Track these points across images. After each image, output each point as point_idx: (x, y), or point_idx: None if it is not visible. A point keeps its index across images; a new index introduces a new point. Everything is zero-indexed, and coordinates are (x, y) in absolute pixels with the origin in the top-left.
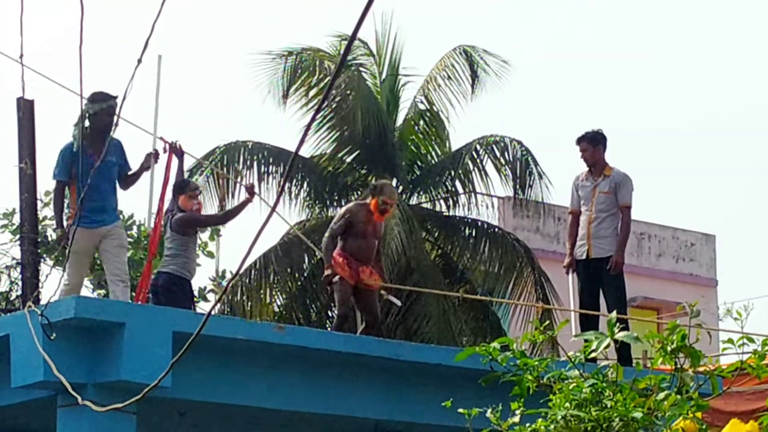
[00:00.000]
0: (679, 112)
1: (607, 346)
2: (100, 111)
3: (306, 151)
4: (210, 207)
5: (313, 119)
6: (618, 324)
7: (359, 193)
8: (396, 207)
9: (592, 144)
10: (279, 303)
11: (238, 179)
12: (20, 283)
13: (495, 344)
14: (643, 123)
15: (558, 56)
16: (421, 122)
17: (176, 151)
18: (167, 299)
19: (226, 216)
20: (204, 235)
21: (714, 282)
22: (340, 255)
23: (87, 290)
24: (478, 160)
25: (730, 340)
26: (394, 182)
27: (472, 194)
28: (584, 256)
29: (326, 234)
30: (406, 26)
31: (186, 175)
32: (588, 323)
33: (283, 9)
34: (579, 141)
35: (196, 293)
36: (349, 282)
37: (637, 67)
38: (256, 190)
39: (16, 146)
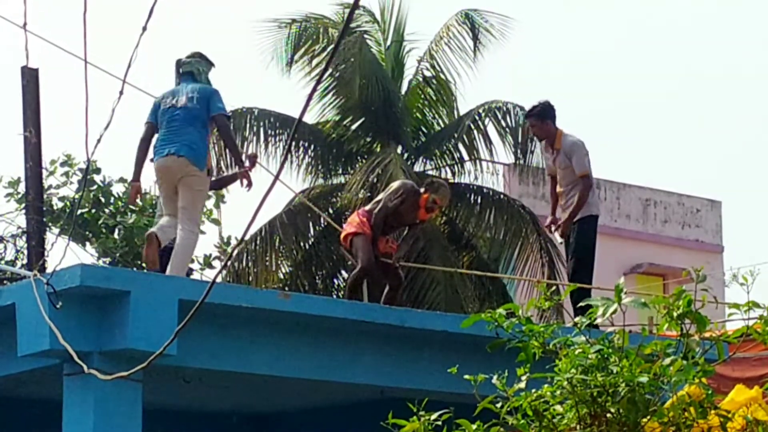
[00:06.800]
0: (687, 76)
1: (614, 312)
2: (208, 72)
3: (311, 119)
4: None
5: (316, 86)
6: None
7: (364, 160)
8: (441, 211)
9: (540, 119)
10: (284, 270)
11: (243, 147)
12: (26, 251)
13: (501, 311)
14: (648, 85)
15: (562, 13)
16: (426, 89)
17: None
18: (159, 270)
19: (217, 183)
20: (209, 203)
21: (720, 248)
22: (364, 215)
23: (92, 258)
24: (481, 127)
25: (736, 305)
26: (399, 149)
27: (478, 161)
28: (561, 229)
29: (379, 210)
30: None
31: None
32: (580, 292)
33: None
34: (526, 116)
35: (201, 261)
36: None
37: (640, 27)
38: (260, 159)
39: (21, 115)
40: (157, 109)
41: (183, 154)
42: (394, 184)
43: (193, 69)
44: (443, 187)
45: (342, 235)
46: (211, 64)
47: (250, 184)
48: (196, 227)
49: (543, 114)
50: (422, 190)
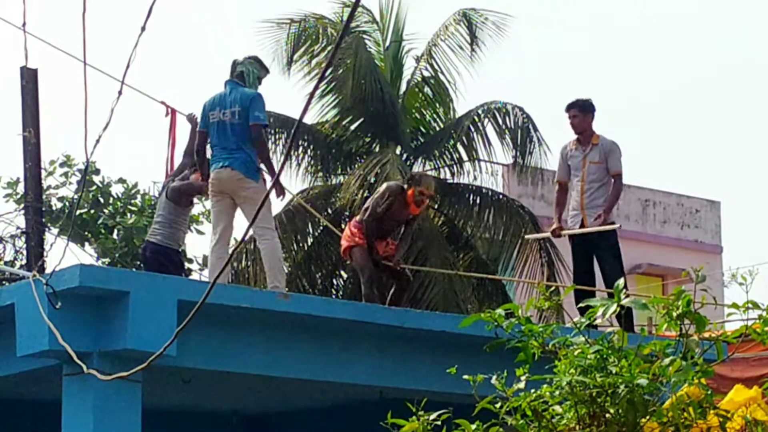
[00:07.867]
0: (686, 76)
1: (614, 313)
2: (262, 77)
3: (310, 119)
4: None
5: (317, 85)
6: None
7: (363, 160)
8: (430, 201)
9: (583, 111)
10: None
11: None
12: (25, 252)
13: (500, 311)
14: (648, 86)
15: (562, 13)
16: (425, 89)
17: (191, 121)
18: (156, 271)
19: None
20: (208, 203)
21: (719, 248)
22: (355, 226)
23: (91, 259)
24: (480, 127)
25: (735, 305)
26: (398, 149)
27: (476, 161)
28: (578, 226)
29: (368, 216)
30: None
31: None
32: (584, 293)
33: None
34: (569, 108)
35: (200, 261)
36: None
37: (640, 27)
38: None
39: (20, 115)
40: (206, 117)
41: (236, 168)
42: (380, 189)
43: (245, 69)
44: (425, 177)
45: (341, 250)
46: (264, 69)
47: (282, 193)
48: (273, 233)
49: (586, 107)
50: (405, 186)
